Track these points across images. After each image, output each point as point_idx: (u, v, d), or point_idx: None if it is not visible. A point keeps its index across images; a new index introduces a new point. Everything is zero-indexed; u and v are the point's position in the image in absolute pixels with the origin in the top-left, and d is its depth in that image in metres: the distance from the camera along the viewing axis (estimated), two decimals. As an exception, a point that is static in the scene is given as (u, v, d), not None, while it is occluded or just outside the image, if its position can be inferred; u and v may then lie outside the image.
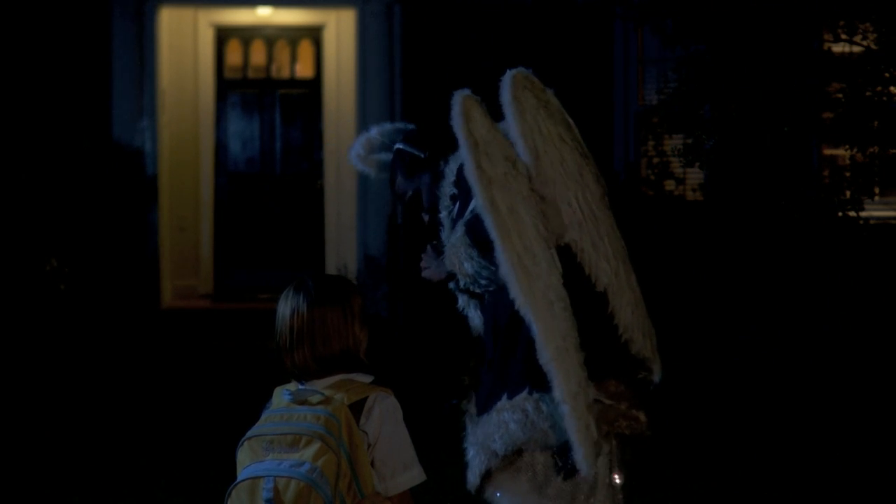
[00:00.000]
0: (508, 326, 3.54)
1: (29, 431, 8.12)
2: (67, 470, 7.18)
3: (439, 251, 3.74)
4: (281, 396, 3.13)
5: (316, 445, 2.99)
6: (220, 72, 12.99)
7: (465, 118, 3.50)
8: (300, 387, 3.14)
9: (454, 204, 3.74)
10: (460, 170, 3.68)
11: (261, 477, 3.00)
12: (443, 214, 3.79)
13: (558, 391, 3.37)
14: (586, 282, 3.53)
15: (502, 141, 3.52)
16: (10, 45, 11.39)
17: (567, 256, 3.51)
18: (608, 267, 3.53)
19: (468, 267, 3.57)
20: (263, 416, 3.11)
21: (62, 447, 7.74)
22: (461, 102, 3.54)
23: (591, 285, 3.54)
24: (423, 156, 3.88)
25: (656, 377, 3.65)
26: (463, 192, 3.67)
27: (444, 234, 3.78)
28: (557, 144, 3.54)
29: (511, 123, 3.54)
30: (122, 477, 7.05)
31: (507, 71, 3.62)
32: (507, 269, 3.41)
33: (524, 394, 3.52)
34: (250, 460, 3.05)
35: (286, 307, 3.14)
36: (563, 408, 3.37)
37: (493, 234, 3.42)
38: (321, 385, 3.13)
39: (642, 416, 3.54)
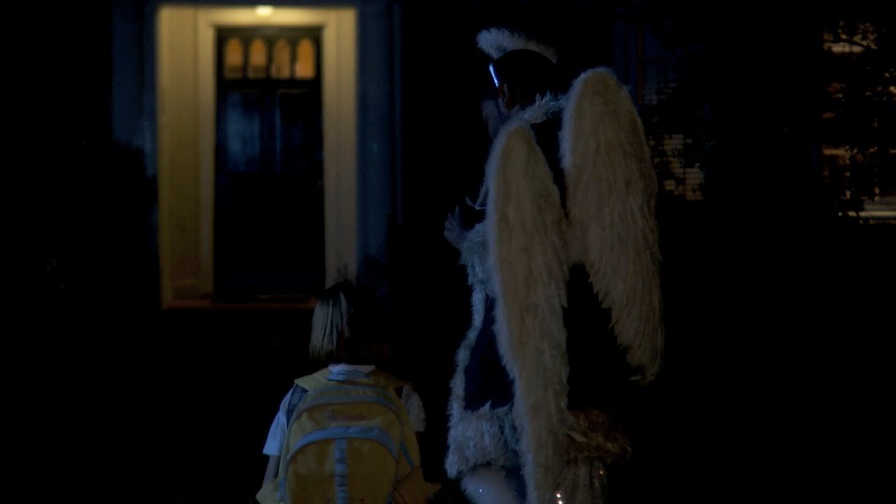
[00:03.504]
0: None
1: (29, 431, 8.12)
2: (67, 470, 7.18)
3: (467, 214, 3.70)
4: (325, 378, 3.42)
5: (382, 414, 3.33)
6: (220, 72, 12.99)
7: (503, 163, 3.44)
8: (351, 368, 3.45)
9: None
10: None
11: (330, 440, 3.28)
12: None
13: (524, 443, 3.41)
14: (592, 300, 3.53)
15: (540, 174, 3.46)
16: (10, 46, 11.39)
17: (579, 274, 3.51)
18: (623, 286, 3.52)
19: (479, 271, 3.61)
20: (314, 393, 3.36)
21: (62, 447, 7.74)
22: (503, 144, 3.46)
23: (598, 303, 3.54)
24: (496, 84, 3.80)
25: (648, 378, 3.65)
26: None
27: (482, 190, 3.72)
28: (612, 155, 3.50)
29: (565, 136, 3.51)
30: (122, 477, 7.05)
31: (582, 73, 3.56)
32: (501, 328, 3.42)
33: (505, 408, 3.54)
34: (312, 428, 3.30)
35: (347, 302, 3.48)
36: (528, 456, 3.41)
37: (498, 291, 3.42)
38: (364, 371, 3.47)
39: (615, 448, 3.55)
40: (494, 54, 3.91)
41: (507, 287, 3.41)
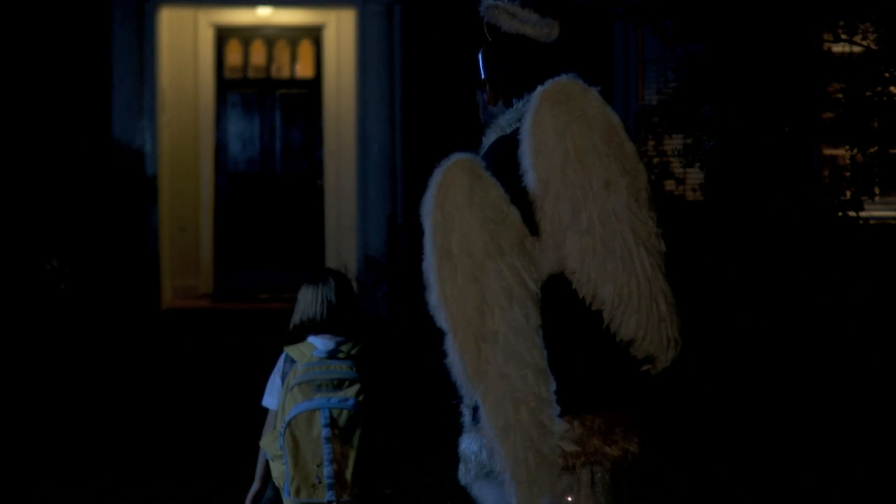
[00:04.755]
0: None
1: (29, 431, 8.12)
2: (68, 470, 7.18)
3: None
4: (310, 352, 4.30)
5: (356, 386, 4.25)
6: (220, 72, 12.99)
7: (441, 198, 3.40)
8: (331, 344, 4.30)
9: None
10: (488, 149, 3.62)
11: (316, 409, 4.21)
12: None
13: (498, 464, 3.41)
14: (579, 306, 3.50)
15: (491, 199, 3.42)
16: (10, 46, 11.40)
17: (560, 284, 3.48)
18: (612, 287, 3.49)
19: None
20: (302, 367, 4.26)
21: (62, 447, 7.74)
22: (439, 180, 3.41)
23: (586, 308, 3.51)
24: (482, 77, 3.79)
25: (661, 365, 3.64)
26: (495, 171, 3.55)
27: None
28: (584, 160, 3.45)
29: (524, 153, 3.48)
30: (122, 477, 7.05)
31: (538, 87, 3.51)
32: (454, 360, 3.40)
33: None
34: (302, 399, 4.22)
35: (334, 281, 4.41)
36: (504, 475, 3.41)
37: (446, 325, 3.40)
38: (339, 341, 4.34)
39: (614, 451, 3.53)
40: (488, 29, 3.87)
41: (456, 321, 3.39)
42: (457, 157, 3.47)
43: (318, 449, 4.21)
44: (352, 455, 4.23)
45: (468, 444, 3.65)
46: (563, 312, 3.49)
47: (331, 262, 12.58)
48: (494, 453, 3.41)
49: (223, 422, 8.22)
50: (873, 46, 8.13)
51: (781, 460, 7.29)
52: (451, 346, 3.40)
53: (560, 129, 3.48)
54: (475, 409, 3.69)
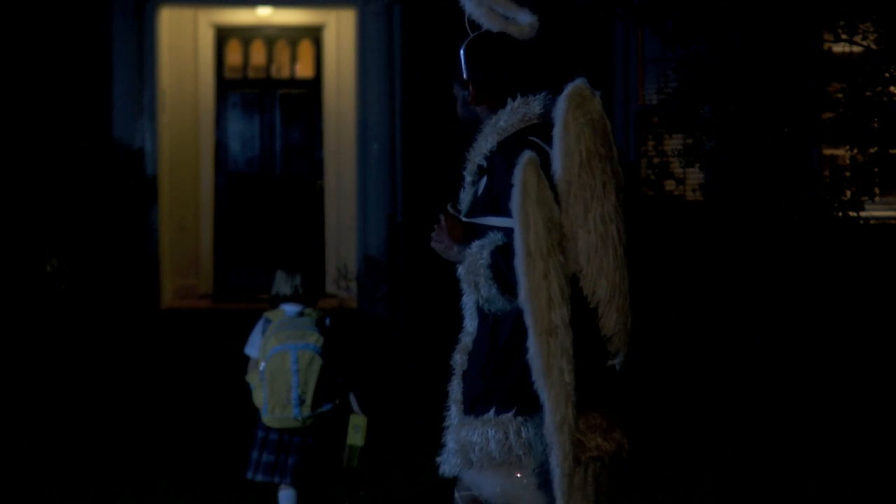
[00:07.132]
0: (506, 346, 3.65)
1: (29, 431, 8.12)
2: (67, 470, 7.19)
3: (454, 225, 3.75)
4: (283, 315, 5.83)
5: (315, 335, 5.75)
6: (220, 72, 12.99)
7: (523, 196, 3.51)
8: (297, 309, 5.83)
9: (481, 177, 3.76)
10: (496, 152, 3.68)
11: (288, 350, 5.71)
12: (467, 179, 3.80)
13: (554, 458, 3.51)
14: (583, 303, 3.63)
15: (548, 198, 3.56)
16: (10, 46, 11.40)
17: (573, 281, 3.61)
18: (606, 283, 3.63)
19: (484, 291, 3.65)
20: (277, 324, 5.80)
21: (62, 447, 7.74)
22: (521, 178, 3.52)
23: (587, 304, 3.64)
24: (464, 76, 3.83)
25: (621, 359, 3.73)
26: (493, 173, 3.67)
27: (463, 196, 3.81)
28: (592, 162, 3.60)
29: (556, 155, 3.60)
30: (122, 477, 7.06)
31: (564, 88, 3.62)
32: (534, 355, 3.50)
33: (510, 414, 3.64)
34: (278, 343, 5.72)
35: (297, 274, 5.90)
36: (556, 470, 3.51)
37: (529, 322, 3.50)
38: (303, 307, 5.89)
39: (611, 447, 3.65)
40: (470, 25, 3.90)
41: (535, 317, 3.51)
42: (528, 156, 3.57)
43: (288, 379, 5.71)
44: (311, 383, 5.72)
45: (467, 434, 3.72)
46: (574, 313, 3.57)
47: (331, 261, 12.59)
48: (552, 447, 3.50)
49: (223, 421, 8.22)
50: (873, 46, 8.13)
51: (781, 460, 7.29)
52: (531, 342, 3.51)
53: (578, 132, 3.61)
54: (466, 403, 3.74)
